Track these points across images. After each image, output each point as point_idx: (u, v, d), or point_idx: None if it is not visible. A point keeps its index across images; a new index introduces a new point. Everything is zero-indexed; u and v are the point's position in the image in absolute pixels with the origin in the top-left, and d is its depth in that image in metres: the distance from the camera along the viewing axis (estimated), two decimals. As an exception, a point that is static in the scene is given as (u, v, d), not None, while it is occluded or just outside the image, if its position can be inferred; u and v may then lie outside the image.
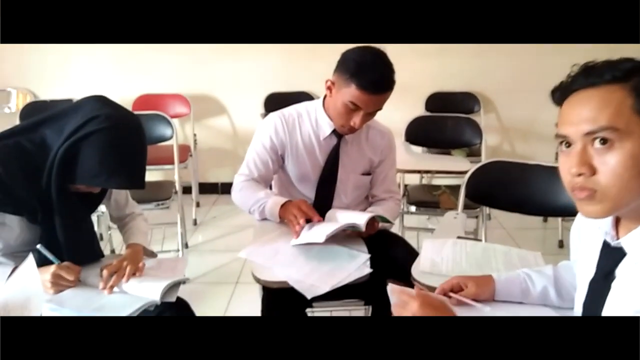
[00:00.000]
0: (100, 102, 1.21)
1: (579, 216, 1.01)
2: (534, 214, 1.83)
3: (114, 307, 1.18)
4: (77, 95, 3.28)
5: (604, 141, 0.76)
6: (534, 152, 3.59)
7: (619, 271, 0.83)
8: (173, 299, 1.23)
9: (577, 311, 0.94)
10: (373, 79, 1.43)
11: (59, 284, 1.19)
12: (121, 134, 1.18)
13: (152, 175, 3.25)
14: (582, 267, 0.94)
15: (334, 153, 1.64)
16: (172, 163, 2.86)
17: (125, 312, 1.16)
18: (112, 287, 1.23)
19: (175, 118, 3.20)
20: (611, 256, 0.85)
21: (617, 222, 0.85)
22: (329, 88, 1.54)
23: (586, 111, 0.78)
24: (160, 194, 2.65)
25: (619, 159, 0.75)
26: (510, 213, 1.79)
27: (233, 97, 3.73)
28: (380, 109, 1.51)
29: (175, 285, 1.27)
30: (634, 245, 0.81)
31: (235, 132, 3.76)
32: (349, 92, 1.45)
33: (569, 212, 1.62)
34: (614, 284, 0.83)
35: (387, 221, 1.54)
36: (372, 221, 1.45)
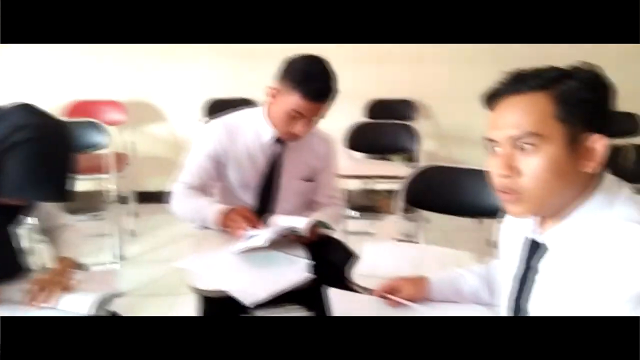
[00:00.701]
0: (28, 110, 1.15)
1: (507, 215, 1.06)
2: (468, 215, 1.91)
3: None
4: (2, 102, 3.10)
5: (528, 146, 0.80)
6: (469, 157, 3.73)
7: (542, 266, 0.88)
8: (104, 314, 1.18)
9: (503, 306, 0.98)
10: (318, 87, 1.45)
11: None
12: (49, 146, 1.12)
13: (87, 185, 3.11)
14: (508, 263, 0.99)
15: (276, 160, 1.63)
16: (108, 172, 2.76)
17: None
18: (41, 302, 1.16)
19: (110, 125, 3.09)
20: (535, 251, 0.90)
21: (542, 219, 0.90)
22: (271, 95, 1.54)
23: (512, 117, 0.82)
24: (95, 204, 2.55)
25: (541, 163, 0.80)
26: (446, 215, 1.85)
27: (172, 103, 3.64)
28: (322, 116, 1.53)
29: (107, 299, 1.22)
30: (555, 241, 0.85)
31: (175, 139, 3.67)
32: (293, 100, 1.46)
33: (501, 214, 1.70)
34: (537, 278, 0.88)
35: (328, 227, 1.54)
36: (313, 227, 1.46)
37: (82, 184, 3.17)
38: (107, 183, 2.80)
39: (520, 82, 0.83)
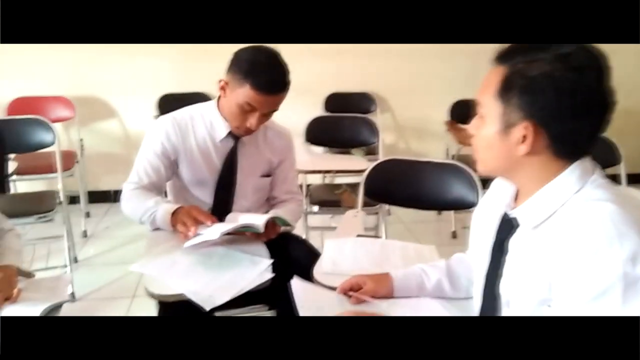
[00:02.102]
0: None
1: (482, 200, 1.09)
2: (428, 208, 1.93)
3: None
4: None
5: (478, 113, 0.88)
6: (427, 150, 3.79)
7: (511, 244, 0.89)
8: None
9: (477, 294, 0.99)
10: (268, 79, 1.41)
11: None
12: None
13: (33, 185, 2.97)
14: (481, 246, 0.99)
15: (231, 156, 1.59)
16: (55, 171, 2.62)
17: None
18: None
19: (57, 122, 2.95)
20: (505, 229, 0.91)
21: (517, 195, 0.93)
22: (222, 88, 1.49)
23: (482, 84, 0.87)
24: (42, 205, 2.42)
25: (480, 132, 0.88)
26: (407, 208, 1.86)
27: (123, 98, 3.51)
28: (276, 109, 1.49)
29: (55, 308, 1.15)
30: (523, 216, 0.87)
31: (127, 136, 3.54)
32: (244, 93, 1.42)
33: (460, 206, 1.73)
34: (507, 259, 0.89)
35: (287, 224, 1.51)
36: (272, 224, 1.42)
37: (29, 184, 3.06)
38: (55, 183, 2.66)
39: (504, 54, 0.85)
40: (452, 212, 3.06)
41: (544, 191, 0.84)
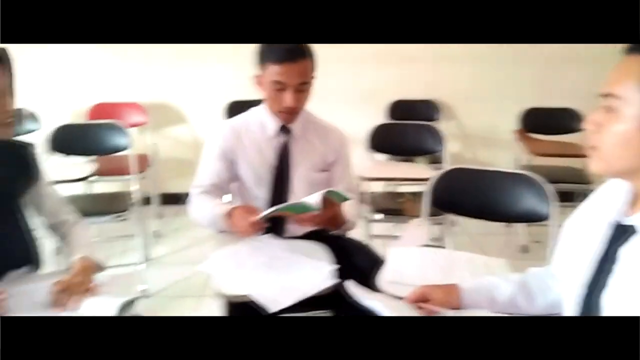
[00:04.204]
0: None
1: (581, 208, 1.01)
2: (497, 220, 1.85)
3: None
4: (27, 105, 3.14)
5: (611, 105, 0.80)
6: (493, 159, 3.67)
7: (623, 253, 0.83)
8: (130, 314, 1.16)
9: (569, 304, 0.92)
10: (282, 48, 1.45)
11: None
12: None
13: (109, 186, 3.14)
14: (578, 255, 0.93)
15: (283, 150, 1.63)
16: (129, 173, 2.77)
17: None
18: (64, 306, 1.14)
19: (132, 127, 3.11)
20: (619, 237, 0.85)
21: (633, 201, 0.86)
22: (256, 84, 1.56)
23: (612, 75, 0.81)
24: (117, 205, 2.55)
25: (614, 126, 0.79)
26: (472, 219, 1.80)
27: (193, 105, 3.66)
28: (307, 82, 1.51)
29: (131, 302, 1.20)
30: None
31: (196, 141, 3.68)
32: (269, 72, 1.48)
33: (531, 218, 1.65)
34: (616, 268, 0.83)
35: (345, 197, 1.40)
36: (328, 203, 1.36)
37: (105, 185, 3.24)
38: (130, 185, 2.81)
39: None
40: (520, 225, 2.93)
41: None
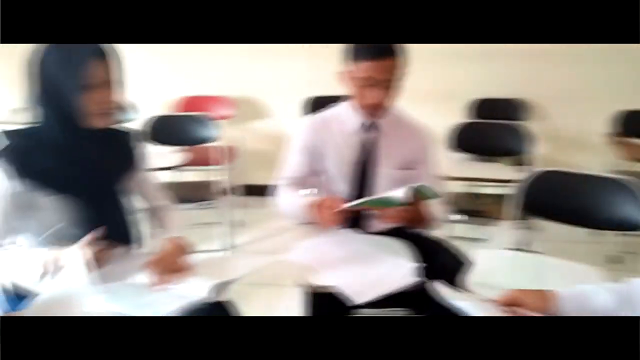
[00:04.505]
0: None
1: None
2: (588, 226, 1.76)
3: (162, 303, 1.15)
4: (129, 96, 3.37)
5: None
6: (582, 163, 3.45)
7: None
8: (220, 298, 1.23)
9: None
10: (368, 46, 1.47)
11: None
12: None
13: (198, 175, 3.31)
14: None
15: (369, 147, 1.64)
16: (217, 164, 2.90)
17: (173, 308, 1.13)
18: (161, 284, 1.22)
19: (220, 120, 3.24)
20: None
21: None
22: (343, 79, 1.58)
23: None
24: (206, 193, 2.69)
25: None
26: (559, 225, 1.71)
27: (278, 100, 3.77)
28: (391, 78, 1.51)
29: (224, 285, 1.27)
30: None
31: (281, 134, 3.78)
32: (356, 69, 1.50)
33: (624, 227, 1.55)
34: None
35: (434, 195, 1.37)
36: (417, 198, 1.35)
37: (191, 174, 3.41)
38: (217, 174, 2.94)
39: None
40: (610, 233, 2.74)
41: None
